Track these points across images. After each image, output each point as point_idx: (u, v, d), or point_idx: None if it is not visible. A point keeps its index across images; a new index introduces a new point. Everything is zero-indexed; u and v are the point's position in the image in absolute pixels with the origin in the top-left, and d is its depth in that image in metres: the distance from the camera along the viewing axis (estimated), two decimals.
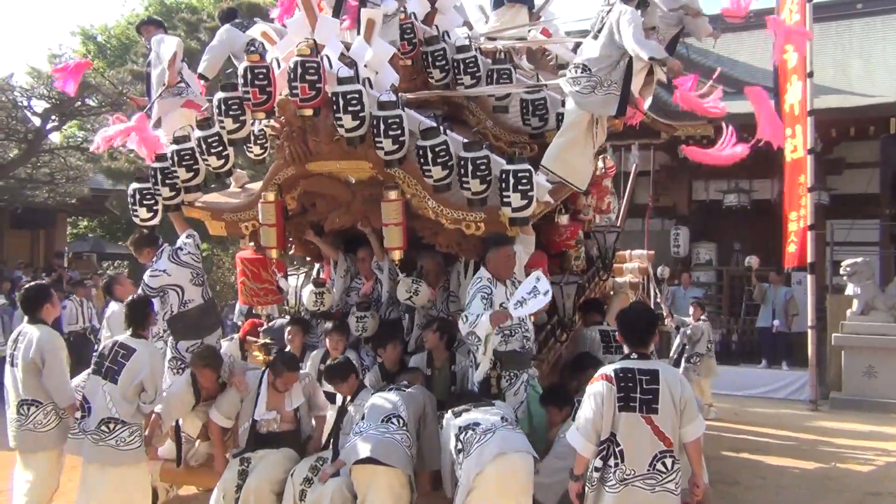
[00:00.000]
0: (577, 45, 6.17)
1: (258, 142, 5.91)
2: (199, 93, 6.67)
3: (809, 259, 11.33)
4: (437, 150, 4.85)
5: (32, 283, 5.78)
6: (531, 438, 4.55)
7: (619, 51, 5.28)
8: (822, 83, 13.30)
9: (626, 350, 4.05)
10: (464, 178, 4.85)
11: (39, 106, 16.52)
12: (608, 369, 3.90)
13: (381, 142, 4.87)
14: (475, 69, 6.10)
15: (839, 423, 10.01)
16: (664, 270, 13.53)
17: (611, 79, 5.32)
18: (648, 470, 3.76)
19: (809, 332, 11.43)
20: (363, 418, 4.74)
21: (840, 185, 14.64)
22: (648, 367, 3.86)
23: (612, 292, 8.37)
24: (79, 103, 16.72)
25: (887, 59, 16.16)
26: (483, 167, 4.81)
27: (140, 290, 5.81)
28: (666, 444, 3.77)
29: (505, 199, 4.77)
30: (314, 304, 6.31)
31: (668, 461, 3.78)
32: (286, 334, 6.07)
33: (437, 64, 6.07)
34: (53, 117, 16.81)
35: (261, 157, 6.30)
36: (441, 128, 4.99)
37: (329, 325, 5.99)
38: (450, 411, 4.65)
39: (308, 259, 6.99)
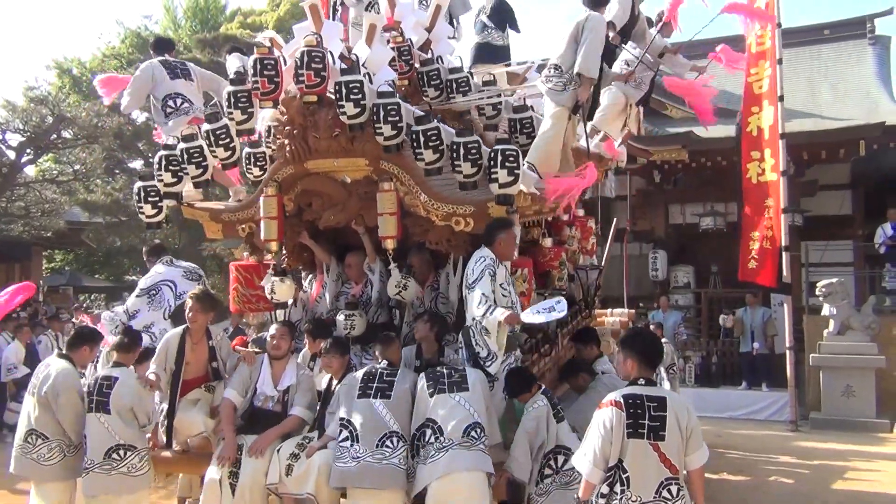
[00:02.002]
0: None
1: (258, 163, 6.07)
2: (201, 104, 6.89)
3: (786, 280, 11.42)
4: (428, 133, 5.18)
5: (88, 326, 6.10)
6: (511, 417, 5.02)
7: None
8: (792, 107, 13.54)
9: (630, 375, 4.05)
10: (456, 162, 5.16)
11: (14, 139, 16.46)
12: (616, 395, 3.89)
13: (380, 127, 5.16)
14: (467, 88, 6.50)
15: (819, 444, 10.07)
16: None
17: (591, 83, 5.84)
18: (654, 497, 3.76)
19: (787, 352, 11.51)
20: (357, 440, 4.77)
21: (814, 206, 14.82)
22: (656, 393, 3.88)
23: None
24: (54, 136, 16.66)
25: (856, 83, 16.51)
26: (474, 151, 5.14)
27: (133, 296, 6.33)
28: (672, 471, 3.78)
29: (493, 176, 5.03)
30: (269, 292, 6.26)
31: (674, 488, 3.78)
32: (273, 333, 6.00)
33: (432, 83, 6.44)
34: (28, 150, 16.73)
35: (260, 179, 6.39)
36: (432, 116, 5.35)
37: (307, 325, 6.10)
38: (426, 380, 4.89)
39: (300, 268, 7.08)
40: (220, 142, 5.78)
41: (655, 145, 13.56)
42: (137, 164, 19.76)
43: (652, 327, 11.00)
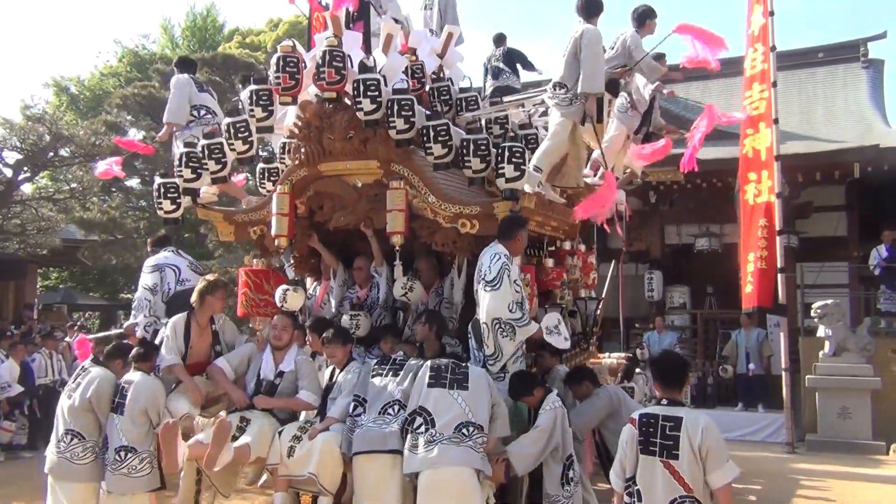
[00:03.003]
0: None
1: (271, 178, 6.43)
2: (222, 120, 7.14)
3: (782, 301, 11.42)
4: (438, 129, 5.55)
5: (124, 342, 6.13)
6: (516, 416, 5.13)
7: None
8: (787, 129, 13.62)
9: (658, 395, 4.19)
10: (466, 158, 5.53)
11: (11, 157, 16.44)
12: (636, 413, 4.11)
13: (394, 121, 5.52)
14: (475, 106, 6.94)
15: (816, 465, 10.03)
16: (643, 354, 13.55)
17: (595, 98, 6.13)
18: None
19: (783, 374, 11.49)
20: (364, 411, 5.11)
21: (809, 228, 14.88)
22: (673, 413, 3.96)
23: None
24: (51, 154, 16.67)
25: (849, 105, 16.64)
26: (483, 147, 5.50)
27: (141, 285, 6.62)
28: (686, 489, 3.84)
29: (500, 171, 5.39)
30: (281, 300, 6.40)
31: None
32: (275, 323, 6.06)
33: (442, 98, 6.87)
34: (25, 168, 16.71)
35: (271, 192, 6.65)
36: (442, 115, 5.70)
37: (309, 322, 6.29)
38: (429, 370, 4.98)
39: (307, 275, 7.27)
40: (240, 135, 6.16)
41: (651, 166, 13.63)
42: (134, 183, 19.77)
43: (640, 352, 11.00)
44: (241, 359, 5.78)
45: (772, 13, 11.17)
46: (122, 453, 5.20)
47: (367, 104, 5.50)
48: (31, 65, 53.65)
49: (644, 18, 7.06)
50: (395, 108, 5.49)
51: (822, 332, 11.90)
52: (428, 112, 5.80)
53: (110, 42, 59.35)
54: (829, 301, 11.79)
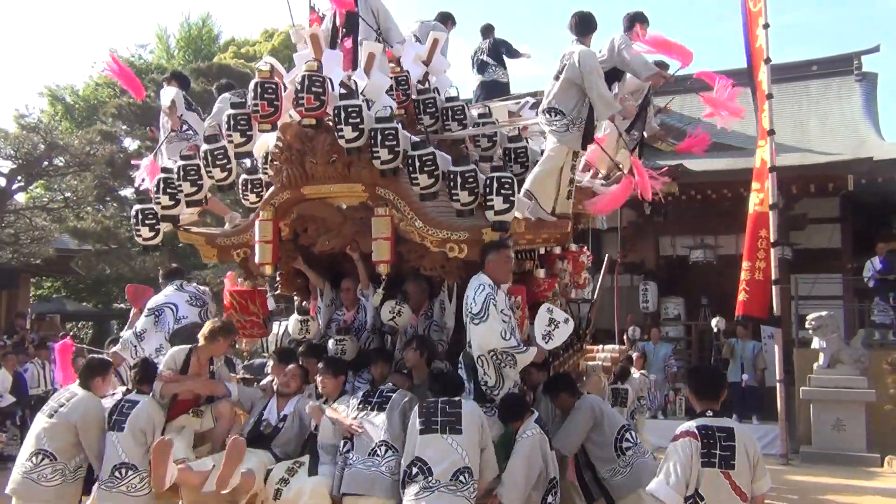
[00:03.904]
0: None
1: (254, 190, 6.14)
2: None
3: (776, 313, 11.45)
4: (424, 159, 5.22)
5: (96, 357, 6.09)
6: (505, 442, 4.96)
7: (582, 90, 5.88)
8: (782, 141, 13.69)
9: (696, 408, 4.19)
10: (454, 191, 5.23)
11: (5, 166, 16.44)
12: (690, 426, 4.05)
13: (377, 151, 5.24)
14: (462, 117, 6.60)
15: (810, 477, 10.01)
16: (635, 331, 13.62)
17: (581, 116, 5.90)
18: None
19: (778, 385, 11.50)
20: (353, 447, 4.97)
21: (803, 240, 14.93)
22: (724, 424, 4.04)
23: (584, 376, 8.43)
24: (45, 163, 16.64)
25: (843, 118, 16.73)
26: (471, 180, 5.20)
27: (143, 315, 6.60)
28: (742, 498, 3.94)
29: (489, 203, 5.13)
30: (299, 332, 6.45)
31: None
32: (287, 371, 6.04)
33: (428, 110, 6.55)
34: (19, 177, 16.69)
35: (256, 205, 6.45)
36: (429, 141, 5.44)
37: (302, 348, 6.15)
38: (418, 415, 4.82)
39: (294, 294, 7.13)
40: (218, 162, 5.83)
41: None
42: (128, 192, 19.74)
43: (635, 356, 11.00)
44: (248, 398, 5.77)
45: (766, 26, 11.24)
46: (123, 471, 5.07)
47: (348, 132, 5.24)
48: (25, 74, 53.69)
49: (634, 22, 6.91)
50: (379, 137, 5.22)
51: (816, 343, 11.93)
52: (413, 138, 5.53)
53: (105, 52, 59.35)
54: (824, 313, 11.80)
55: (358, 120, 5.20)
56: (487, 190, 5.13)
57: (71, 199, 18.13)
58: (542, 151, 6.24)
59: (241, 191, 6.20)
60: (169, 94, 7.17)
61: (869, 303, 13.54)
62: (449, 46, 8.10)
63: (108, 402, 5.52)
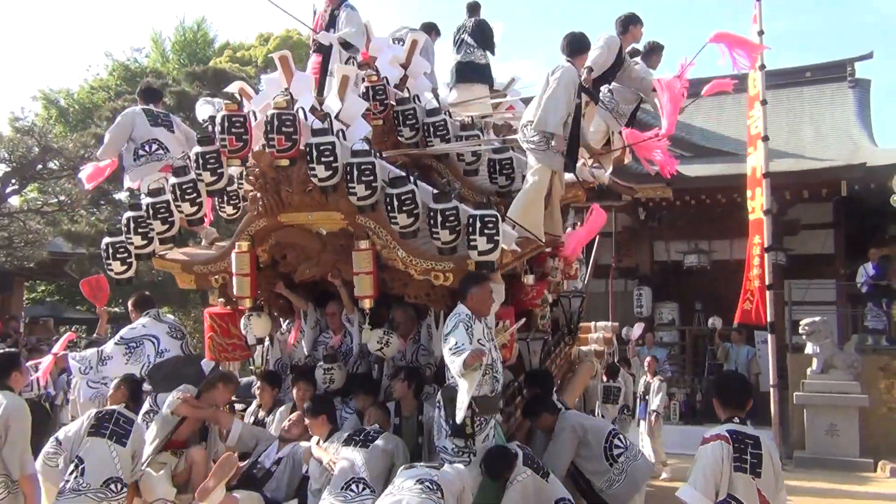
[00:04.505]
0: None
1: (231, 201, 5.95)
2: (179, 155, 6.63)
3: (769, 318, 11.49)
4: (403, 198, 4.94)
5: (1, 351, 5.75)
6: (487, 494, 4.68)
7: (566, 109, 5.56)
8: (775, 147, 13.75)
9: (722, 415, 4.14)
10: (434, 229, 4.93)
11: None
12: (721, 430, 3.99)
13: (354, 187, 4.97)
14: (444, 132, 6.26)
15: (804, 482, 10.01)
16: (629, 331, 13.66)
17: (563, 136, 5.59)
18: None
19: (771, 390, 11.52)
20: (328, 482, 4.78)
21: (797, 245, 14.98)
22: (751, 432, 4.01)
23: (577, 361, 8.42)
24: (39, 167, 16.61)
25: (837, 124, 16.81)
26: (452, 218, 4.90)
27: (112, 341, 6.08)
28: None
29: (472, 244, 4.83)
30: (324, 382, 6.02)
31: None
32: (255, 388, 6.01)
33: (408, 123, 6.26)
34: (13, 181, 16.65)
35: (233, 217, 6.32)
36: (409, 177, 5.09)
37: (294, 374, 6.02)
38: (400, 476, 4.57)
39: (276, 314, 6.85)
40: (187, 196, 5.54)
41: (640, 183, 13.70)
42: (123, 196, 19.70)
43: (648, 360, 11.13)
44: (254, 436, 5.66)
45: (761, 32, 11.30)
46: (117, 485, 4.90)
47: (321, 171, 4.96)
48: (20, 77, 53.56)
49: (628, 24, 6.80)
50: (355, 172, 4.92)
51: (809, 349, 11.96)
52: (392, 170, 5.24)
53: (100, 55, 59.28)
54: (817, 318, 11.83)
55: (331, 158, 4.95)
56: (470, 229, 4.83)
57: (65, 203, 18.06)
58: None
59: (217, 203, 6.00)
60: (119, 117, 6.75)
61: (862, 308, 13.56)
62: (436, 57, 7.91)
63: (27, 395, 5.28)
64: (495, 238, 4.81)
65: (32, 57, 51.53)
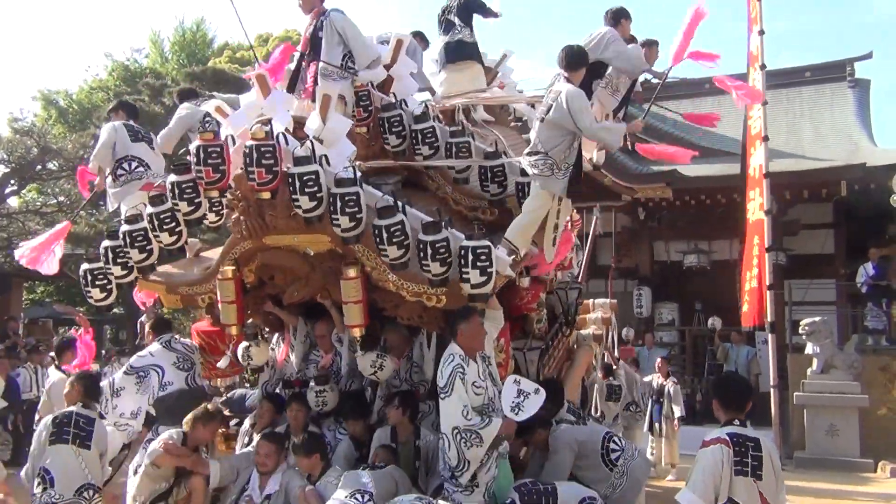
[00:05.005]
0: (537, 98, 6.20)
1: (213, 208, 5.66)
2: (161, 170, 6.54)
3: (769, 319, 11.46)
4: (392, 230, 4.70)
5: None
6: None
7: (571, 132, 5.31)
8: (775, 147, 13.73)
9: (721, 417, 4.13)
10: (424, 262, 4.72)
11: None
12: (721, 433, 3.97)
13: (337, 219, 4.75)
14: (433, 139, 5.98)
15: (804, 483, 9.99)
16: (629, 332, 13.64)
17: (567, 161, 5.34)
18: None
19: (772, 391, 11.49)
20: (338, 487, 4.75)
21: (797, 245, 14.97)
22: (751, 434, 3.99)
23: (575, 346, 8.32)
24: (39, 167, 16.60)
25: (836, 124, 16.81)
26: (443, 250, 4.68)
27: (122, 371, 6.03)
28: None
29: (464, 276, 4.65)
30: (316, 405, 5.95)
31: None
32: (260, 451, 5.72)
33: (394, 130, 5.97)
34: (13, 181, 16.65)
35: (216, 224, 6.02)
36: (398, 205, 4.88)
37: (288, 395, 5.90)
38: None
39: (267, 329, 6.73)
40: (165, 226, 5.27)
41: (640, 183, 13.72)
42: None
43: (658, 362, 11.13)
44: (232, 467, 5.43)
45: (762, 32, 11.26)
46: (90, 492, 4.84)
47: (305, 202, 4.70)
48: (19, 78, 53.56)
49: (619, 17, 6.70)
50: (339, 204, 4.67)
51: (809, 349, 11.96)
52: (379, 199, 4.99)
53: (100, 56, 59.36)
54: (817, 318, 11.84)
55: (315, 189, 4.69)
56: (462, 262, 4.64)
57: (64, 203, 18.07)
58: (521, 170, 5.72)
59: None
60: (104, 134, 6.57)
61: (862, 308, 13.57)
62: (424, 65, 7.71)
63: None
64: (488, 270, 4.63)
65: (32, 57, 51.54)
